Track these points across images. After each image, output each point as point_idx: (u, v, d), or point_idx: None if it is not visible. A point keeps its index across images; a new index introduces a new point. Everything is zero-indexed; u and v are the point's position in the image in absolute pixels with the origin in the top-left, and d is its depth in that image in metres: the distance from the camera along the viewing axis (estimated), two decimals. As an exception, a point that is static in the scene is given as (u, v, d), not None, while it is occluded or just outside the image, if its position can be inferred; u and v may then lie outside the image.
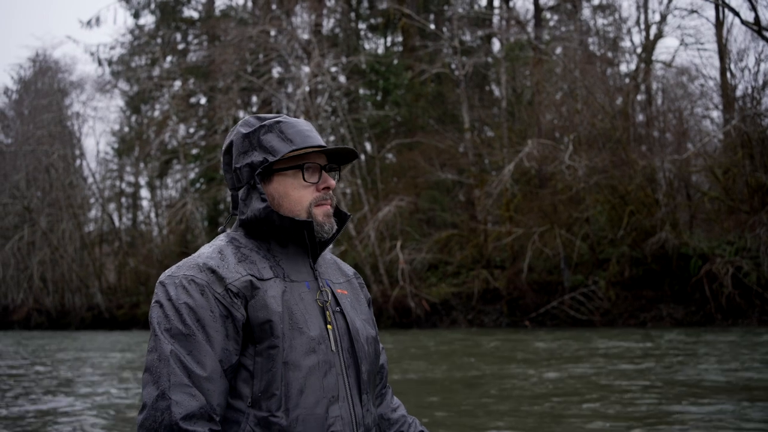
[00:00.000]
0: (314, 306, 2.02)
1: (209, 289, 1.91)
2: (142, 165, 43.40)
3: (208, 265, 1.95)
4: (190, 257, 2.03)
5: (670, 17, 32.35)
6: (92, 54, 43.85)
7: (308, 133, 2.09)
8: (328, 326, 2.01)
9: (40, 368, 16.25)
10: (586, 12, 36.57)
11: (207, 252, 2.02)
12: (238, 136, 2.10)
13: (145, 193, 45.80)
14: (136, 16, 43.72)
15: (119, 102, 49.51)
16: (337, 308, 2.08)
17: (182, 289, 1.91)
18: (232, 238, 2.08)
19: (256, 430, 1.88)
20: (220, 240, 2.09)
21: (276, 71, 37.88)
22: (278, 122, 2.09)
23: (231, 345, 1.90)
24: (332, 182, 2.11)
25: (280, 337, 1.91)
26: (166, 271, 2.00)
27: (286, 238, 2.08)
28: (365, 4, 40.89)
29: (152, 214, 44.65)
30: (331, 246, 2.25)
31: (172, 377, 1.81)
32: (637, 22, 33.62)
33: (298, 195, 2.07)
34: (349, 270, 2.31)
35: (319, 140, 2.11)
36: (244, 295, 1.93)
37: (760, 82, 25.71)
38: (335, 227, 2.12)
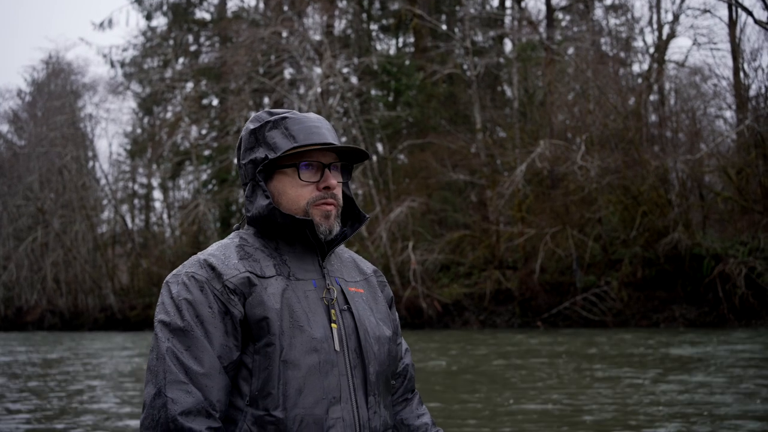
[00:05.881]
0: (319, 304, 1.98)
1: (208, 285, 1.91)
2: (154, 166, 43.48)
3: (209, 261, 1.95)
4: (195, 255, 2.03)
5: (682, 17, 32.29)
6: (105, 56, 44.14)
7: (314, 129, 2.03)
8: (333, 325, 1.96)
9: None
10: (599, 12, 36.41)
11: (211, 249, 2.02)
12: (246, 132, 2.08)
13: (157, 194, 45.96)
14: (149, 17, 43.79)
15: (131, 104, 49.68)
16: (345, 306, 2.02)
17: (183, 286, 1.92)
18: (241, 237, 2.06)
19: (253, 429, 1.87)
20: (229, 238, 2.08)
21: (288, 72, 37.90)
22: (284, 118, 2.04)
23: (230, 341, 1.89)
24: (333, 181, 2.03)
25: (277, 335, 1.88)
26: (174, 270, 2.01)
27: (292, 237, 2.04)
28: (377, 5, 40.85)
29: (165, 216, 44.78)
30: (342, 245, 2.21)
31: (168, 375, 1.82)
32: (650, 22, 33.53)
33: (296, 194, 2.02)
34: (369, 268, 2.24)
35: (326, 137, 2.04)
36: (241, 292, 1.92)
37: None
38: (337, 229, 2.05)
